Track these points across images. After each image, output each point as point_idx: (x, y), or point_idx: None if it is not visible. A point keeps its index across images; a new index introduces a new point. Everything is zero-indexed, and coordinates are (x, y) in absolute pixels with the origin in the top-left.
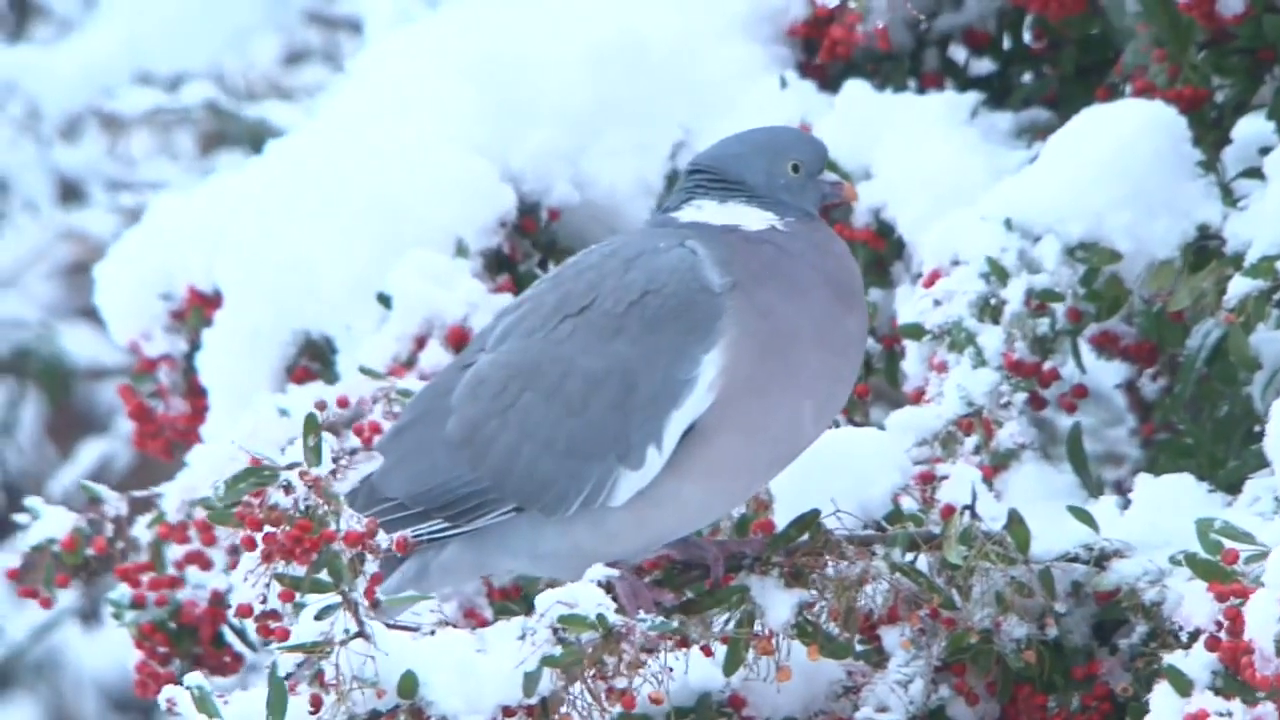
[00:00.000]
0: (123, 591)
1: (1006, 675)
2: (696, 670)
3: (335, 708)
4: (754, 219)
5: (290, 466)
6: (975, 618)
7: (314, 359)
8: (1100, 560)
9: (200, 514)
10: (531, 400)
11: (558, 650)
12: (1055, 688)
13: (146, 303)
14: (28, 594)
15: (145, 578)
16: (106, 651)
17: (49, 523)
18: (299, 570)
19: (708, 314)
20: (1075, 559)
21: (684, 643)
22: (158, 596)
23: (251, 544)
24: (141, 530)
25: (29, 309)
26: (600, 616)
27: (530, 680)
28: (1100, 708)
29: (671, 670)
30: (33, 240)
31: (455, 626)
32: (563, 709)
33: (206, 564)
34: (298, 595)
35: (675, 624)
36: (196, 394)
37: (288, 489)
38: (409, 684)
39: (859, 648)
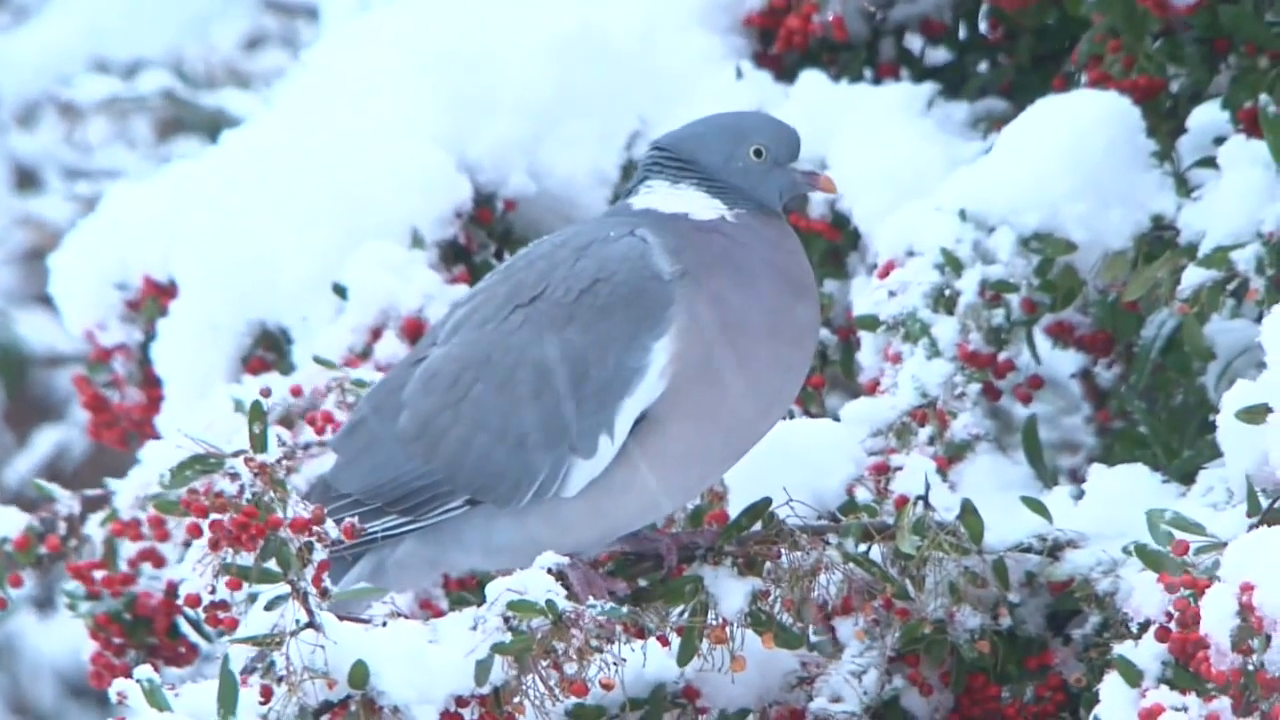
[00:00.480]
0: (78, 583)
1: (960, 665)
2: (651, 662)
3: (286, 699)
4: (702, 206)
5: (236, 454)
6: (929, 608)
7: (270, 350)
8: (1054, 550)
9: (153, 511)
10: (483, 391)
11: (508, 638)
12: (1009, 678)
13: (102, 292)
14: None
15: (99, 575)
16: (63, 639)
17: (1, 521)
18: (248, 560)
19: (658, 301)
20: (1029, 549)
21: (638, 633)
22: (113, 590)
23: (198, 531)
24: (94, 528)
25: None
26: (550, 602)
27: (482, 669)
28: (1054, 698)
29: (624, 660)
30: None
31: (408, 617)
32: (515, 699)
33: (160, 561)
34: (246, 585)
35: (625, 610)
36: (152, 384)
37: (234, 476)
38: (360, 674)
39: (813, 639)
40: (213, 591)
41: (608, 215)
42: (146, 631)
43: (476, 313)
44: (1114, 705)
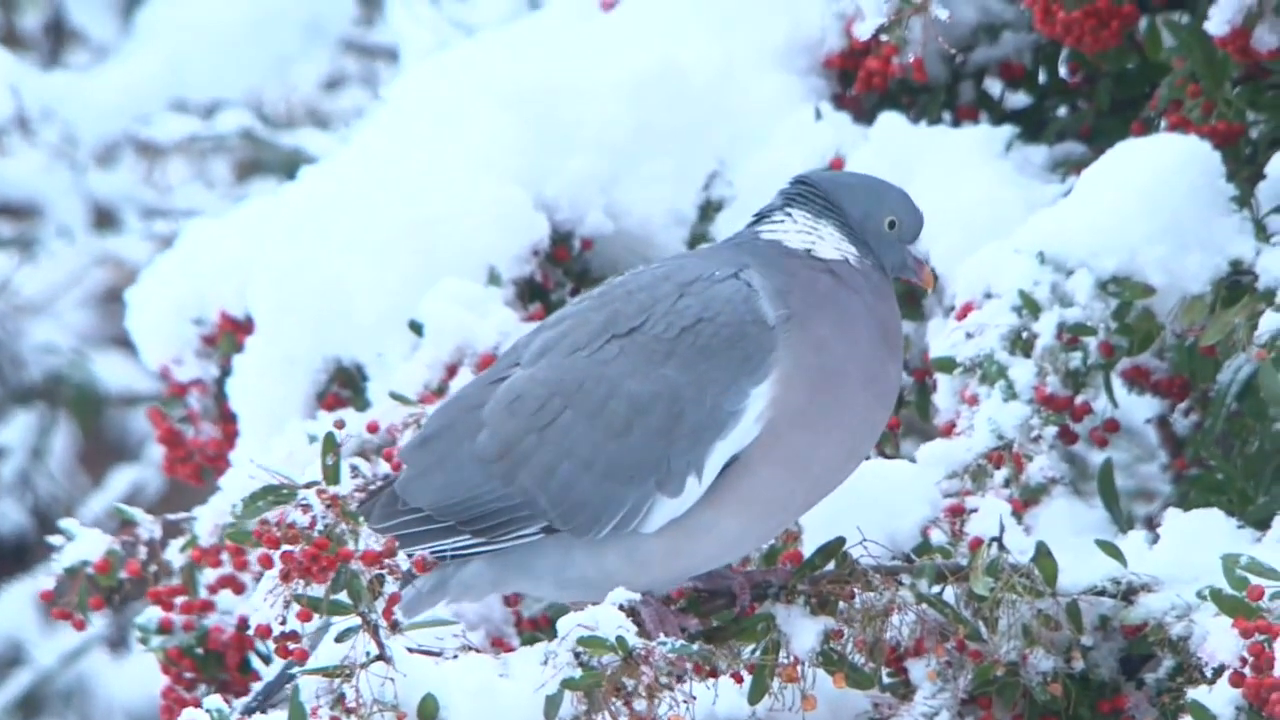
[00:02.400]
0: (150, 616)
1: (1033, 708)
2: (723, 700)
3: None
4: (832, 246)
5: (309, 485)
6: (1001, 650)
7: (345, 386)
8: (1128, 594)
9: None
10: (572, 419)
11: (578, 673)
12: None
13: (178, 327)
14: (62, 615)
15: (178, 600)
16: (134, 679)
17: (83, 545)
18: (319, 592)
19: (761, 347)
20: (1102, 592)
21: (710, 671)
22: (185, 621)
23: (269, 562)
24: (174, 554)
25: (62, 335)
26: (620, 639)
27: (551, 704)
28: None
29: (695, 698)
30: (66, 266)
31: (479, 651)
32: None
33: (239, 588)
34: (317, 616)
35: (695, 647)
36: (227, 419)
37: (306, 508)
38: (430, 707)
39: (885, 679)
40: (283, 623)
41: (722, 245)
42: (218, 666)
43: (567, 338)
44: None
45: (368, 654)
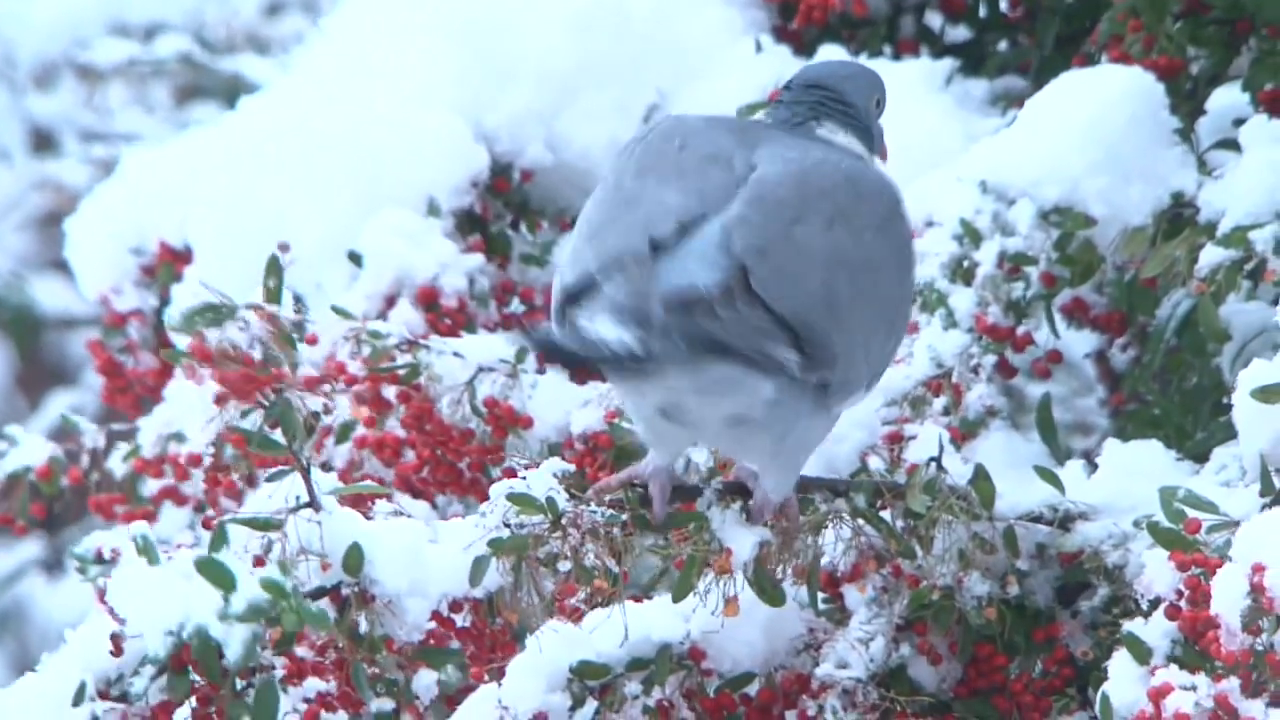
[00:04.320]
0: (88, 545)
1: (968, 634)
2: (658, 623)
3: (279, 573)
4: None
5: (249, 306)
6: (937, 573)
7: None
8: (1065, 521)
9: (174, 449)
10: (867, 287)
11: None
12: (1016, 649)
13: (117, 257)
14: (4, 521)
15: (120, 510)
16: (71, 605)
17: (25, 451)
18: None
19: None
20: (1039, 519)
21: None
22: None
23: (196, 376)
24: (117, 464)
25: None
26: (550, 500)
27: (478, 566)
28: (1061, 672)
29: (626, 573)
30: (4, 189)
31: (410, 517)
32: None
33: (181, 499)
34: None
35: (624, 516)
36: (166, 350)
37: (244, 327)
38: (355, 558)
39: (821, 605)
40: (215, 454)
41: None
42: None
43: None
44: (1122, 682)
45: (297, 499)
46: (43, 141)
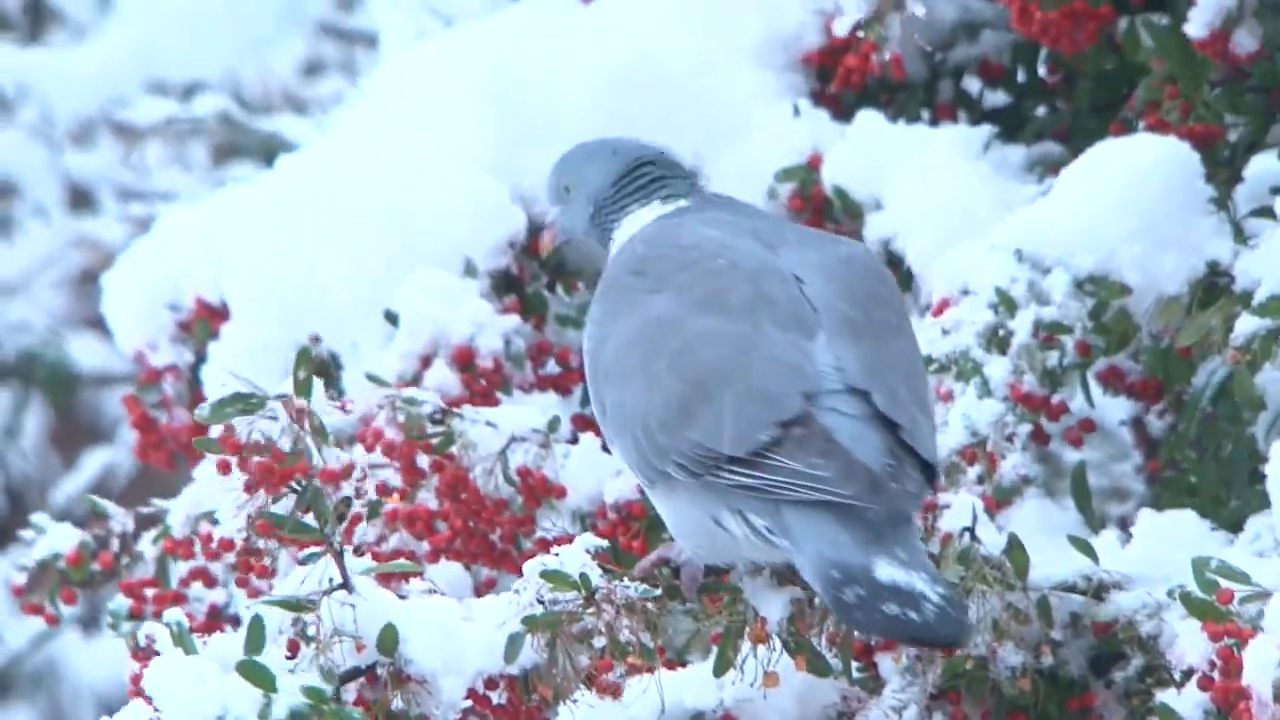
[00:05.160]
0: (121, 603)
1: (1001, 704)
2: (691, 691)
3: (314, 658)
4: None
5: (278, 397)
6: (971, 643)
7: (320, 374)
8: (1099, 591)
9: (205, 529)
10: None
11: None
12: (1050, 719)
13: (154, 313)
14: (33, 610)
15: (150, 593)
16: (104, 661)
17: (54, 538)
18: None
19: None
20: (1073, 588)
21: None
22: (156, 611)
23: (227, 468)
24: (147, 545)
25: (36, 315)
26: (584, 576)
27: (513, 643)
28: None
29: (662, 648)
30: (42, 246)
31: (443, 594)
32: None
33: (211, 580)
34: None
35: (659, 591)
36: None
37: (273, 419)
38: (390, 638)
39: (855, 673)
40: (246, 539)
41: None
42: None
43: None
44: None
45: (330, 581)
46: (80, 199)
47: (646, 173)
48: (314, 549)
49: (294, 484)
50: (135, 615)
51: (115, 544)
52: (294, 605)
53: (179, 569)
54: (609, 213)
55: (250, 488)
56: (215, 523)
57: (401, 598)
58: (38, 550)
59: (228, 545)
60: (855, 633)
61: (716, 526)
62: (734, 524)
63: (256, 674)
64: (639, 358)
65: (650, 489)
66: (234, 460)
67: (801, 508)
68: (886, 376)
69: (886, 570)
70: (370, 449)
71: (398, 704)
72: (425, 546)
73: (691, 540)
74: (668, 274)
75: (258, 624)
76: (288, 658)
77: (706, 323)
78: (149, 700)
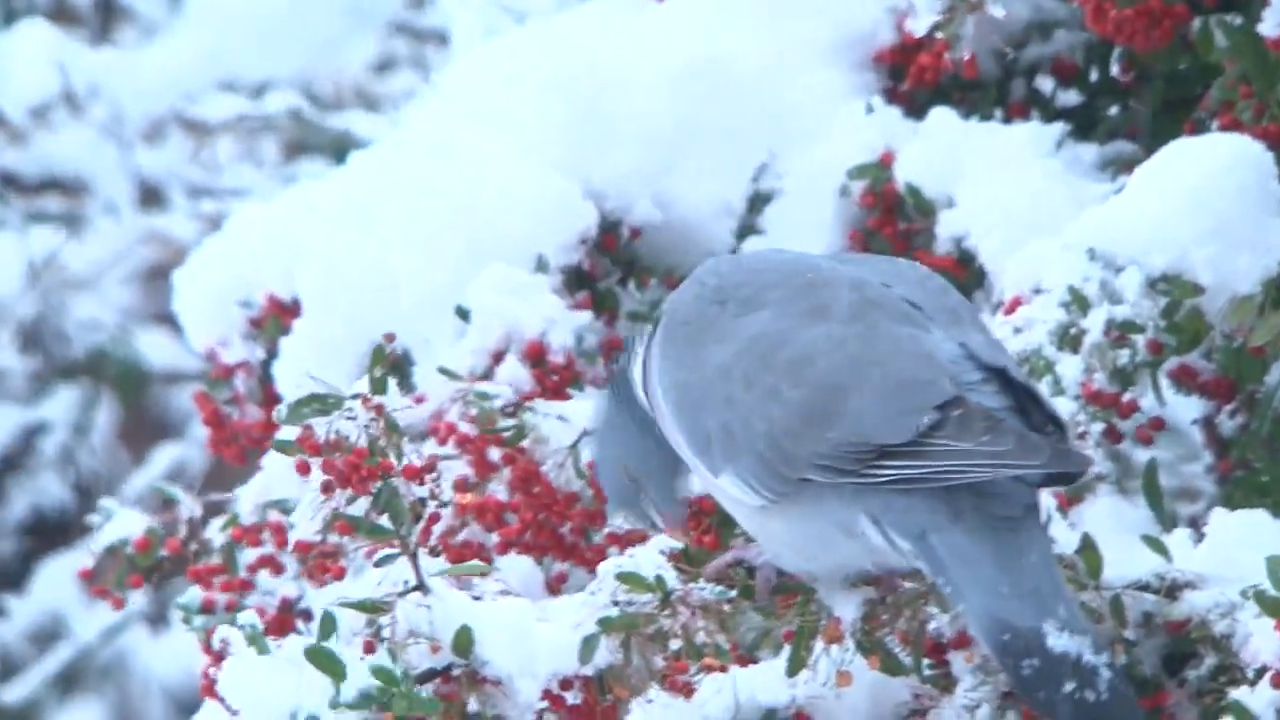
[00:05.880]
0: (192, 596)
1: None
2: (764, 689)
3: (390, 660)
4: None
5: (355, 396)
6: None
7: (392, 370)
8: (1172, 590)
9: (274, 517)
10: None
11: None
12: None
13: (225, 310)
14: (100, 594)
15: (218, 580)
16: (173, 655)
17: (122, 523)
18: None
19: None
20: (1146, 587)
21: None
22: (227, 601)
23: (306, 469)
24: (215, 533)
25: (106, 312)
26: (659, 578)
27: (587, 645)
28: None
29: (735, 645)
30: (112, 243)
31: (517, 595)
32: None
33: (279, 568)
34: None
35: (734, 592)
36: (273, 402)
37: (351, 418)
38: (464, 640)
39: (927, 671)
40: (323, 540)
41: None
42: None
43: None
44: None
45: (405, 583)
46: (150, 196)
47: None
48: (389, 550)
49: (374, 485)
50: (206, 609)
51: (183, 531)
52: (369, 607)
53: (247, 557)
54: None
55: (328, 488)
56: (285, 512)
57: (475, 598)
58: (106, 536)
59: (304, 548)
60: (927, 628)
61: (843, 538)
62: (871, 531)
63: (326, 660)
64: (743, 379)
65: (775, 504)
66: (314, 461)
67: (944, 528)
68: (1005, 356)
69: (1055, 638)
70: (443, 443)
71: (473, 705)
72: (495, 539)
73: (801, 553)
74: (756, 295)
75: (329, 619)
76: (363, 659)
77: (818, 330)
78: (223, 701)
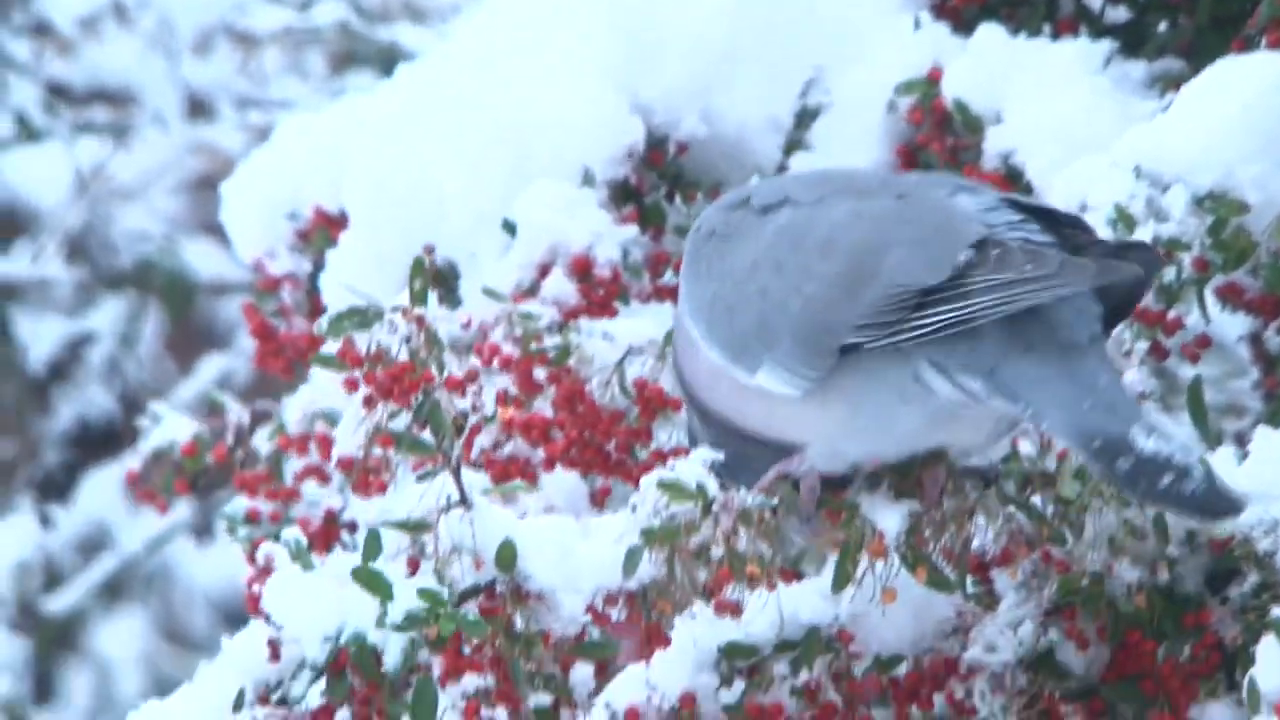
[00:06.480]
0: (237, 506)
1: (1117, 620)
2: (806, 605)
3: (433, 576)
4: None
5: (395, 309)
6: (1087, 559)
7: (437, 284)
8: None
9: (320, 427)
10: None
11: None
12: (1165, 635)
13: (272, 222)
14: (145, 498)
15: (263, 488)
16: (218, 567)
17: (170, 428)
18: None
19: None
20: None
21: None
22: (272, 511)
23: (354, 385)
24: (262, 441)
25: (153, 222)
26: (700, 486)
27: (631, 557)
28: (1209, 657)
29: (776, 558)
30: (160, 154)
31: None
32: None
33: (325, 477)
34: (398, 449)
35: (775, 501)
36: (319, 315)
37: (392, 330)
38: (508, 555)
39: (970, 588)
40: (365, 455)
41: None
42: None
43: None
44: (1270, 667)
45: (448, 498)
46: (198, 107)
47: None
48: (431, 466)
49: (415, 397)
50: (251, 520)
51: (230, 437)
52: (412, 526)
53: (293, 466)
54: None
55: (370, 402)
56: (332, 422)
57: (519, 516)
58: (153, 440)
59: (347, 463)
60: (970, 543)
61: (899, 403)
62: (935, 381)
63: (372, 580)
64: (774, 266)
65: (819, 388)
66: (358, 374)
67: (1014, 360)
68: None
69: (1144, 440)
70: (487, 363)
71: (518, 621)
72: (541, 454)
73: (853, 437)
74: (780, 188)
75: (374, 539)
76: (408, 576)
77: (844, 207)
78: (267, 617)
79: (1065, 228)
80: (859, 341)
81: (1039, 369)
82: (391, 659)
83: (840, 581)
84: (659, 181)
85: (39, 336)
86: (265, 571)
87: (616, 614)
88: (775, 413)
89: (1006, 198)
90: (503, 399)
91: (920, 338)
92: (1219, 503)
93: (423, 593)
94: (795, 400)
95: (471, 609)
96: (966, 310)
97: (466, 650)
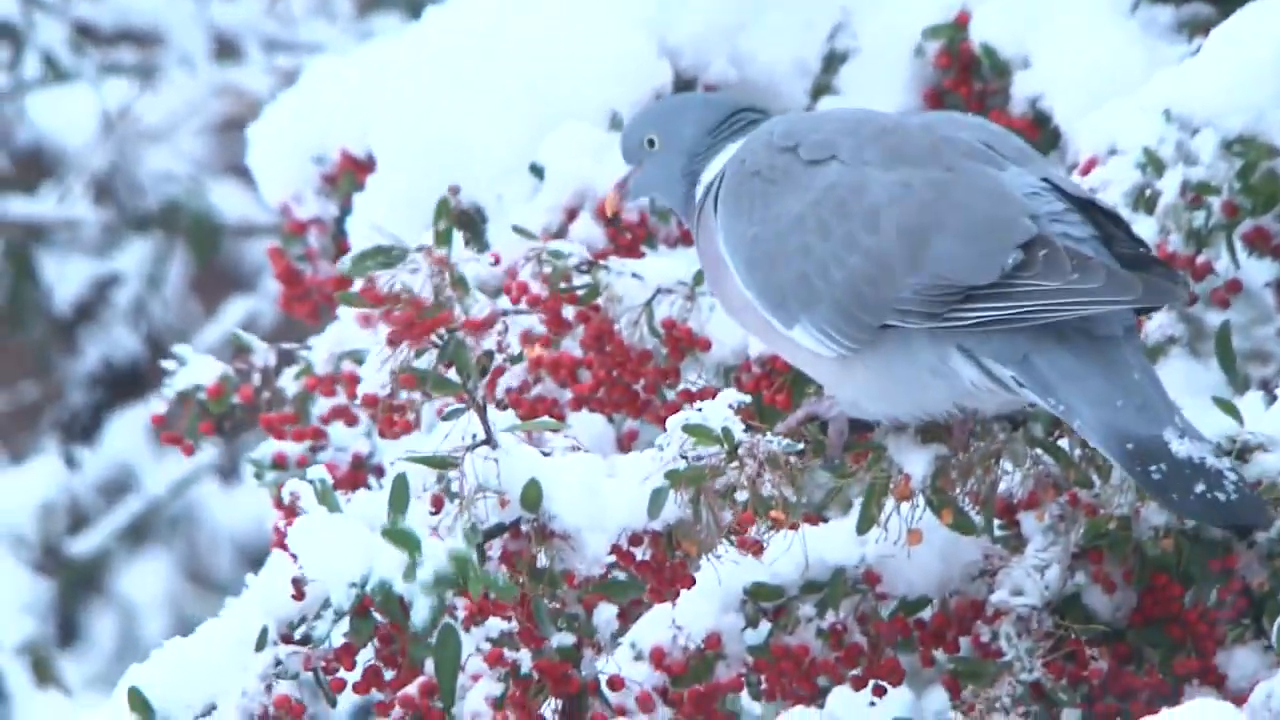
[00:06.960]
0: (264, 451)
1: (1144, 564)
2: (833, 547)
3: (458, 515)
4: None
5: (419, 249)
6: (1114, 503)
7: (464, 227)
8: (1243, 453)
9: (348, 368)
10: None
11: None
12: (1191, 580)
13: (299, 165)
14: (171, 440)
15: (290, 429)
16: (243, 510)
17: (195, 370)
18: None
19: None
20: (1218, 449)
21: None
22: (299, 456)
23: (370, 321)
24: (288, 382)
25: (180, 164)
26: (726, 430)
27: (656, 498)
28: (1236, 602)
29: (800, 501)
30: (186, 96)
31: (586, 451)
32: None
33: (352, 419)
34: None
35: (801, 445)
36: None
37: (414, 270)
38: (533, 494)
39: (997, 531)
40: (390, 394)
41: None
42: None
43: None
44: None
45: (473, 437)
46: (225, 49)
47: (744, 117)
48: (457, 404)
49: (436, 337)
50: (278, 464)
51: (257, 378)
52: (438, 463)
53: (320, 408)
54: (702, 158)
55: (393, 340)
56: (359, 362)
57: (545, 454)
58: (179, 382)
59: (371, 401)
60: (997, 486)
61: (929, 377)
62: (965, 367)
63: (402, 539)
64: (819, 227)
65: (855, 353)
66: (377, 313)
67: (1047, 350)
68: (1081, 188)
69: (1178, 444)
70: (515, 301)
71: (542, 560)
72: (568, 395)
73: (882, 399)
74: (827, 140)
75: (402, 484)
76: (432, 513)
77: (894, 175)
78: (294, 557)
79: (1107, 220)
80: (896, 323)
81: (1073, 360)
82: (420, 618)
83: (865, 524)
84: None
85: (65, 278)
86: (291, 510)
87: (641, 554)
88: (799, 358)
89: (1050, 180)
90: (528, 339)
91: (959, 328)
92: (1252, 513)
93: (454, 556)
94: (824, 358)
95: (496, 549)
96: (1010, 311)
97: (492, 595)
